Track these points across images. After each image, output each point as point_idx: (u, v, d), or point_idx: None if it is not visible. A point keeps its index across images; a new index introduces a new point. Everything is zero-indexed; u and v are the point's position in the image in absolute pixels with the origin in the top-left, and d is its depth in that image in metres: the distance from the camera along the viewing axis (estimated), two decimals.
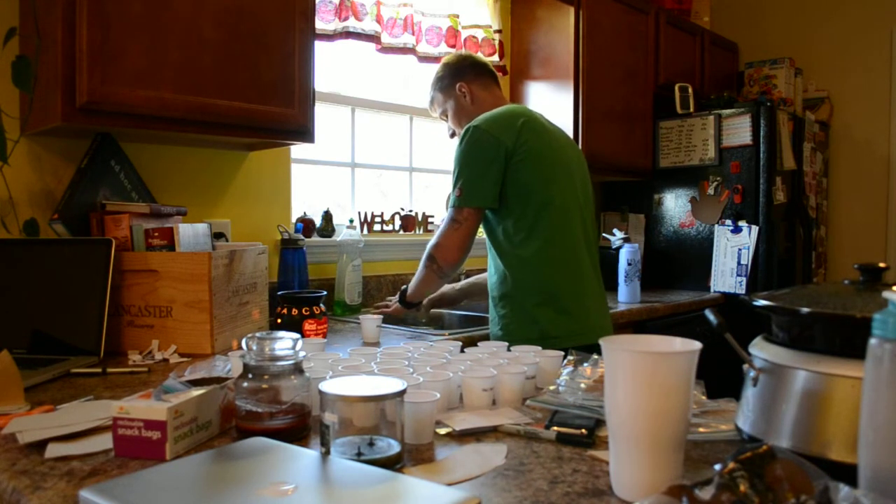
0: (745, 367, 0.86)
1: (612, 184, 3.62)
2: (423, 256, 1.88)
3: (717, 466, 0.60)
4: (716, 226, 3.22)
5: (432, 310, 2.27)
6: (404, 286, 2.06)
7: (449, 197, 1.86)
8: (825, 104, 3.89)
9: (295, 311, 1.64)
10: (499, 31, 3.00)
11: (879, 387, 0.61)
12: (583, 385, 1.09)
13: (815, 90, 3.92)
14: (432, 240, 1.85)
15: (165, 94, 1.66)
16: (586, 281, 1.85)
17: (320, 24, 2.34)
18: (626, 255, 2.80)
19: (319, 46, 2.17)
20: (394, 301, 2.12)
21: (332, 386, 0.84)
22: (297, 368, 0.95)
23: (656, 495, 0.59)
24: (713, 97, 3.46)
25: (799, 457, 0.62)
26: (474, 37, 2.90)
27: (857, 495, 0.55)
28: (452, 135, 2.10)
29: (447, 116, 2.09)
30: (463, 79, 2.04)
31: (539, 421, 1.01)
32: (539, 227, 1.78)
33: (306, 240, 2.30)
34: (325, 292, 1.75)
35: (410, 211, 2.77)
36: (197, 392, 0.92)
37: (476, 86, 2.03)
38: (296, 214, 2.44)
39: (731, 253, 3.16)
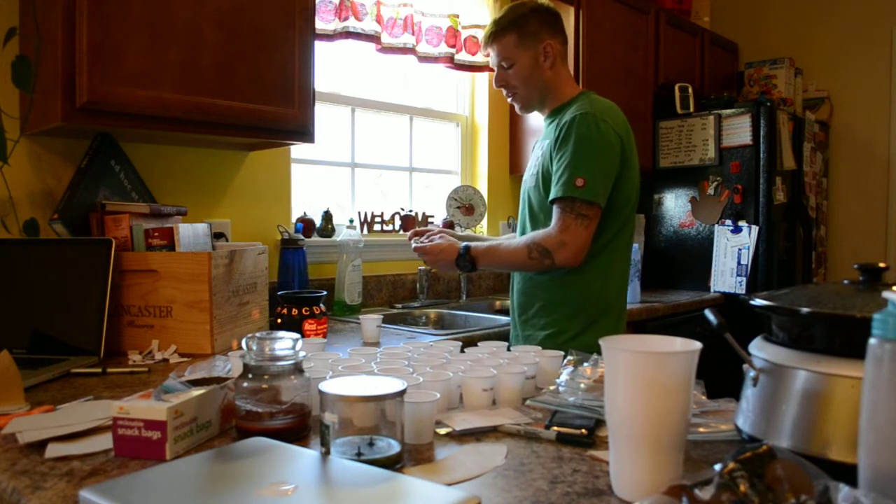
0: (745, 367, 0.86)
1: None
2: (531, 245, 1.64)
3: (717, 466, 0.60)
4: (716, 226, 3.22)
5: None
6: (466, 245, 1.73)
7: (561, 186, 1.61)
8: (825, 104, 3.89)
9: (295, 311, 1.64)
10: None
11: (879, 387, 0.61)
12: (583, 385, 1.09)
13: (815, 90, 3.92)
14: (550, 233, 1.62)
15: (165, 94, 1.66)
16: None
17: (320, 24, 2.34)
18: None
19: (319, 46, 2.17)
20: (442, 240, 1.78)
21: (332, 386, 0.84)
22: (297, 368, 0.95)
23: (656, 495, 0.59)
24: (713, 97, 3.46)
25: (799, 457, 0.62)
26: (474, 37, 2.89)
27: (857, 495, 0.55)
28: (510, 92, 1.80)
29: (508, 66, 1.76)
30: (553, 37, 1.75)
31: (539, 421, 1.01)
32: (618, 238, 1.71)
33: (306, 240, 2.30)
34: (325, 292, 1.74)
35: (410, 211, 2.77)
36: (197, 392, 0.92)
37: (560, 53, 1.77)
38: (296, 214, 2.44)
39: (731, 253, 3.16)
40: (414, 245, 1.82)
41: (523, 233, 1.82)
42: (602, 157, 1.62)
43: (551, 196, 1.65)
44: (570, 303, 1.71)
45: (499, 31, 1.75)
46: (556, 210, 1.64)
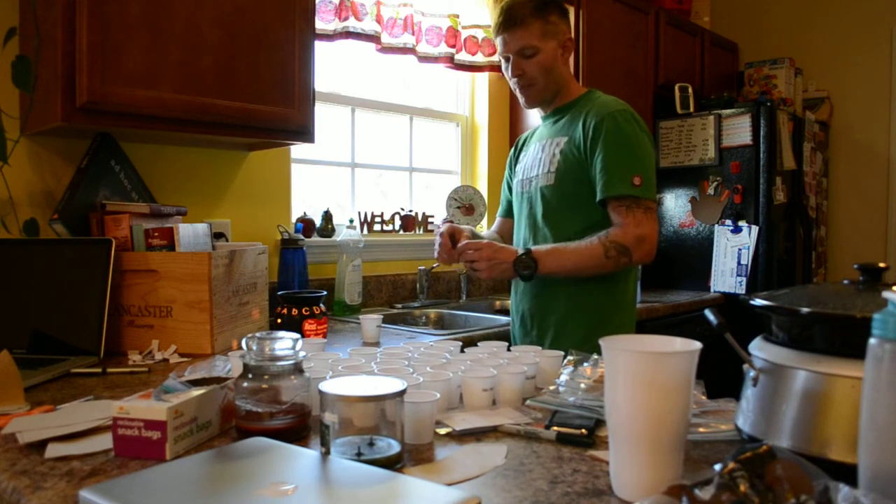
0: (745, 367, 0.86)
1: None
2: (606, 244, 1.56)
3: (717, 466, 0.60)
4: (716, 226, 3.22)
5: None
6: (526, 249, 1.58)
7: (619, 183, 1.58)
8: (825, 104, 3.89)
9: (295, 311, 1.64)
10: None
11: (879, 387, 0.61)
12: (583, 385, 1.09)
13: (815, 90, 3.92)
14: (625, 230, 1.57)
15: (165, 94, 1.66)
16: None
17: (320, 24, 2.34)
18: None
19: (319, 46, 2.17)
20: (488, 244, 1.59)
21: (332, 386, 0.84)
22: (297, 368, 0.95)
23: (656, 495, 0.59)
24: (713, 97, 3.46)
25: (799, 457, 0.62)
26: (474, 37, 2.90)
27: (857, 495, 0.55)
28: (525, 83, 1.72)
29: (530, 54, 1.68)
30: (569, 32, 1.76)
31: (539, 421, 1.01)
32: None
33: (306, 240, 2.30)
34: (325, 292, 1.74)
35: (410, 211, 2.77)
36: (197, 392, 0.92)
37: (573, 50, 1.79)
38: (296, 214, 2.44)
39: (731, 253, 3.16)
40: (461, 245, 1.62)
41: (533, 234, 1.75)
42: (649, 154, 1.65)
43: (608, 193, 1.59)
44: (599, 308, 1.68)
45: (524, 17, 1.67)
46: (620, 207, 1.59)
